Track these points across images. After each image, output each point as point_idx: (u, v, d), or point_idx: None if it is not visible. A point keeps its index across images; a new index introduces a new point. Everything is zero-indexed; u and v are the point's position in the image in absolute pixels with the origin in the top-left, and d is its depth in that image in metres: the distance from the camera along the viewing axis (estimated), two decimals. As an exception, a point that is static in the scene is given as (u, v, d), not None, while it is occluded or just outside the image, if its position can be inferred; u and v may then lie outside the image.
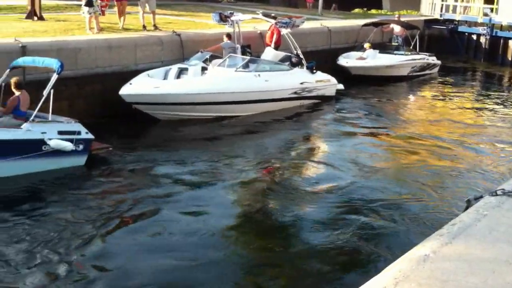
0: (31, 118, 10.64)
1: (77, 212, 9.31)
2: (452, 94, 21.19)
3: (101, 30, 16.56)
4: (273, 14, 19.96)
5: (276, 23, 17.74)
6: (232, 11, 18.19)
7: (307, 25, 20.20)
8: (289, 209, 9.87)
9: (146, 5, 17.99)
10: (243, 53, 16.85)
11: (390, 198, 10.42)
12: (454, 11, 30.23)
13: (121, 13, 17.75)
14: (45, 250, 7.98)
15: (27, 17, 17.90)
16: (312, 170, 12.16)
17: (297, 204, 10.12)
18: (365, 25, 23.83)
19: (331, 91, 18.19)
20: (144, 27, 17.62)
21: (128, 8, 18.34)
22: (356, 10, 34.47)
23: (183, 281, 7.49)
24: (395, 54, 22.49)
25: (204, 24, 20.27)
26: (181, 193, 10.30)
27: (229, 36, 17.14)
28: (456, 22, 29.54)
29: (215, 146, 13.42)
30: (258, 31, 19.63)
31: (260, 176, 11.44)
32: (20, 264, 7.63)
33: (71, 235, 8.49)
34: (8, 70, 11.51)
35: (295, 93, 16.82)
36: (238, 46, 16.96)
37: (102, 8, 17.10)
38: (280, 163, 12.41)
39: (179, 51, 16.56)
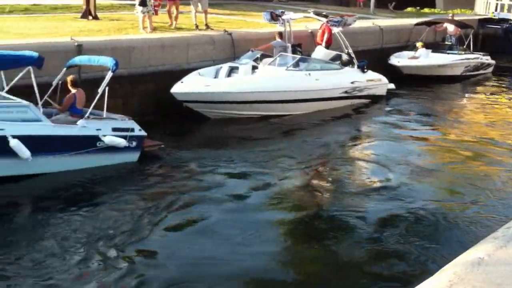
0: (86, 115, 10.90)
1: (128, 209, 9.46)
2: (506, 94, 20.73)
3: (154, 29, 16.82)
4: (324, 13, 19.90)
5: (327, 22, 17.68)
6: (283, 10, 18.21)
7: (359, 24, 20.06)
8: (338, 209, 9.83)
9: (199, 4, 18.17)
10: (294, 52, 16.85)
11: (442, 201, 10.29)
12: (509, 10, 29.55)
13: (176, 11, 17.98)
14: (96, 246, 8.11)
15: (82, 17, 18.31)
16: (362, 170, 12.10)
17: (345, 204, 10.06)
18: (418, 24, 23.53)
19: (382, 91, 18.04)
20: (196, 26, 17.79)
21: (181, 8, 18.55)
22: (409, 9, 34.02)
23: (230, 279, 7.51)
24: (448, 53, 22.14)
25: (255, 23, 20.35)
26: (230, 192, 10.31)
27: (280, 35, 17.17)
28: (511, 22, 28.85)
29: (264, 145, 13.43)
30: (309, 30, 19.59)
31: (309, 176, 11.40)
32: (72, 259, 7.75)
33: (121, 231, 8.62)
34: (64, 69, 11.78)
35: (346, 92, 16.74)
36: (289, 45, 16.98)
37: (155, 8, 17.36)
38: (329, 163, 12.39)
39: (231, 50, 16.69)
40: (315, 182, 11.20)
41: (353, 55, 17.42)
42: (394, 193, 10.47)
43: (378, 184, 11.01)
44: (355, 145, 14.18)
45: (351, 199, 10.32)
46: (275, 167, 11.76)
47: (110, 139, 10.90)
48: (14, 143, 9.82)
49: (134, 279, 7.35)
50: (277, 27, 17.73)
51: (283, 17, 17.37)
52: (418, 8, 34.33)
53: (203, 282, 7.39)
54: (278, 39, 17.04)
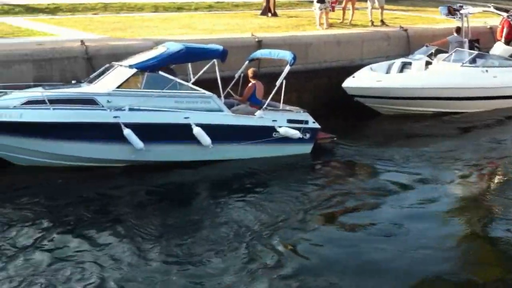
0: (264, 106, 11.46)
1: (295, 201, 9.66)
2: None
3: (330, 25, 17.18)
4: (505, 8, 19.01)
5: (508, 16, 16.96)
6: (461, 4, 17.70)
7: (543, 19, 18.88)
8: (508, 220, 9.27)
9: (376, 0, 18.23)
10: (471, 47, 16.31)
11: None
12: None
13: (352, 7, 18.26)
14: (255, 236, 8.31)
15: (262, 13, 19.21)
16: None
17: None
18: None
19: None
20: (371, 22, 17.95)
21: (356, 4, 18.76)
22: None
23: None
24: None
25: (430, 18, 20.01)
26: (397, 194, 10.14)
27: (458, 30, 16.68)
28: None
29: (436, 144, 13.11)
30: (488, 26, 18.86)
31: (481, 181, 11.05)
32: (231, 248, 7.98)
33: (284, 224, 8.75)
34: (247, 62, 12.49)
35: (527, 90, 15.91)
36: (466, 40, 16.46)
37: (333, 4, 17.67)
38: (505, 167, 11.84)
39: (406, 46, 16.64)
40: (487, 187, 10.83)
41: (536, 52, 16.51)
42: None
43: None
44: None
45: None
46: (446, 168, 11.48)
47: (285, 130, 11.35)
48: (196, 131, 10.63)
49: (290, 274, 7.37)
50: (454, 22, 17.25)
51: (461, 11, 16.86)
52: None
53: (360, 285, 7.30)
54: (455, 34, 16.59)
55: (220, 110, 11.08)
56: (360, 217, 9.27)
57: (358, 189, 10.37)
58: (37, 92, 10.23)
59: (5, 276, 7.11)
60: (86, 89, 10.62)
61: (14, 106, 9.93)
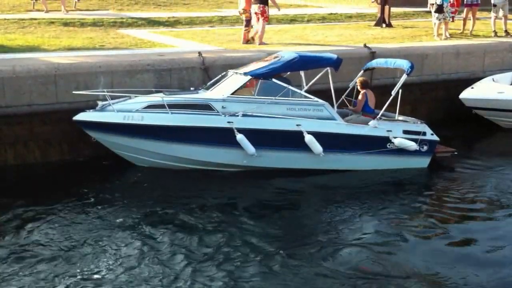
0: (378, 116, 11.17)
1: (408, 219, 9.24)
2: None
3: (450, 36, 16.64)
4: None
5: None
6: None
7: None
8: None
9: (500, 10, 17.46)
10: None
11: None
12: None
13: (473, 17, 17.64)
14: (357, 248, 8.08)
15: (376, 24, 18.92)
16: None
17: None
18: None
19: None
20: (495, 33, 17.21)
21: (477, 14, 18.08)
22: None
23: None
24: None
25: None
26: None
27: None
28: None
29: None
30: None
31: None
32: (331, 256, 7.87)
33: (390, 242, 8.36)
34: (361, 71, 12.28)
35: None
36: None
37: (452, 14, 17.07)
38: None
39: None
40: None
41: None
42: None
43: None
44: None
45: None
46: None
47: (400, 141, 10.96)
48: (308, 138, 10.57)
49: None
50: None
51: None
52: None
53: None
54: None
55: (333, 119, 10.95)
56: (479, 245, 8.43)
57: (478, 211, 9.66)
58: (158, 97, 10.68)
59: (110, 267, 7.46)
60: (202, 95, 10.93)
61: (137, 110, 10.48)
